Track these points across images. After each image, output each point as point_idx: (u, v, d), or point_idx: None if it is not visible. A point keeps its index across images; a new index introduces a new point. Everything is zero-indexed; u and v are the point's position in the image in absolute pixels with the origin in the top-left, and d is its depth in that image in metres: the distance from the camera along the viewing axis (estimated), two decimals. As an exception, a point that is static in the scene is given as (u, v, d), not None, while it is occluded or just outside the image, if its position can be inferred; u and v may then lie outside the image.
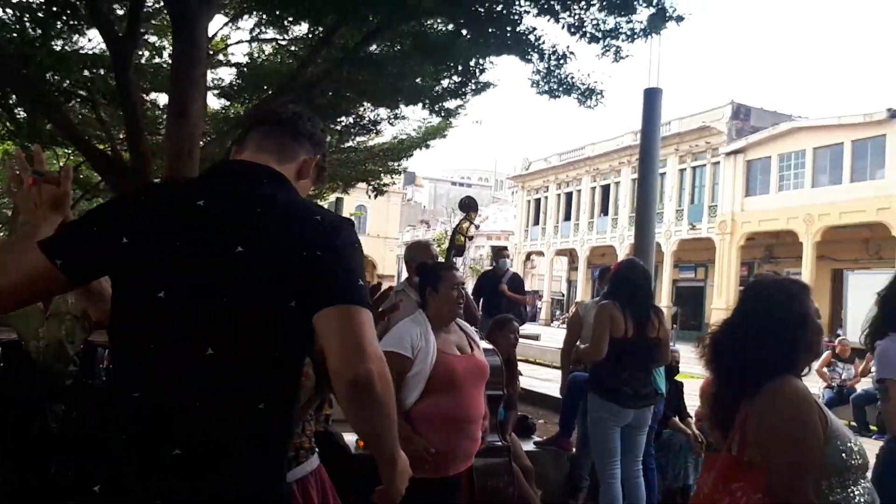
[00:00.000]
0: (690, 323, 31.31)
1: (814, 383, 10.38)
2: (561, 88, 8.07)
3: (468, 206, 4.40)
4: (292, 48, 11.15)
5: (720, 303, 27.72)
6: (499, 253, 8.77)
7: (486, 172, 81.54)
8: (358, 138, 14.12)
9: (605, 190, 36.25)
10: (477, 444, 2.88)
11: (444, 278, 2.94)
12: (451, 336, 2.94)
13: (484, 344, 3.44)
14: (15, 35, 8.02)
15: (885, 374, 2.65)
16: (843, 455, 1.77)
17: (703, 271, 32.29)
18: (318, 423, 4.34)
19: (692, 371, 11.39)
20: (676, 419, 4.85)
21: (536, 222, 41.75)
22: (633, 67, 8.53)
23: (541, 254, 41.85)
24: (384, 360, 1.33)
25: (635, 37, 7.39)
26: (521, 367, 12.26)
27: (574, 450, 4.85)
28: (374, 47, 8.36)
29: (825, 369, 9.76)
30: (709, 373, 2.01)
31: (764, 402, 1.78)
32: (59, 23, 8.69)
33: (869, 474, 1.89)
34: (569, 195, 39.15)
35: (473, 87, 8.84)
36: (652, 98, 6.22)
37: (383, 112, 11.85)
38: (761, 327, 1.86)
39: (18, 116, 10.22)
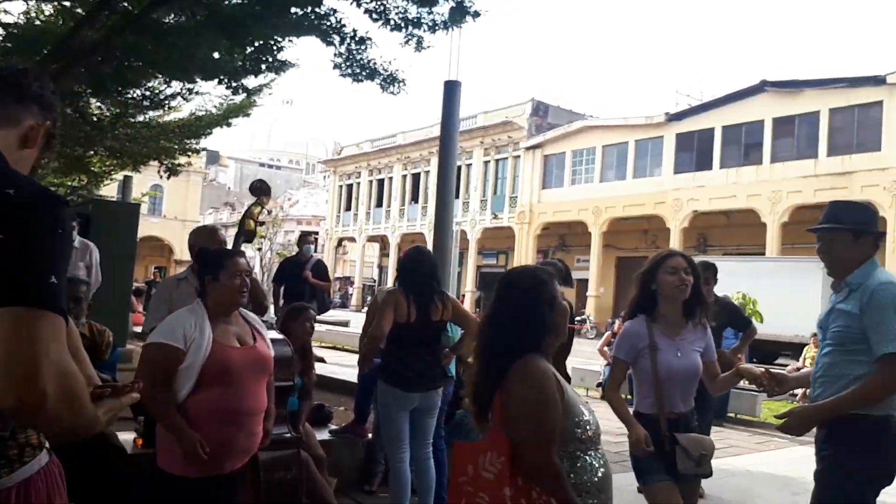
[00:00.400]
0: (493, 307, 33.01)
1: (596, 362, 11.38)
2: (363, 73, 8.03)
3: (260, 190, 4.20)
4: (77, 10, 10.06)
5: (519, 288, 29.44)
6: (304, 239, 8.55)
7: (297, 155, 79.79)
8: (150, 113, 13.10)
9: (416, 178, 36.99)
10: (257, 438, 2.76)
11: (227, 266, 2.79)
12: (231, 327, 2.79)
13: (273, 334, 3.32)
14: None
15: (614, 352, 2.98)
16: (577, 427, 1.94)
17: (504, 258, 34.12)
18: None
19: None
20: (467, 400, 5.01)
21: (348, 208, 41.65)
22: (444, 59, 8.72)
23: (353, 240, 41.83)
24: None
25: (436, 28, 7.53)
26: (330, 354, 12.20)
27: (370, 436, 4.86)
28: (166, 17, 7.75)
29: (605, 348, 10.67)
30: (475, 360, 2.10)
31: (511, 380, 1.91)
32: None
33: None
34: (381, 182, 39.47)
35: (271, 65, 8.50)
36: (451, 90, 6.34)
37: (178, 86, 11.07)
38: (515, 311, 1.99)
39: None
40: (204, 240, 4.05)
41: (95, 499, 3.57)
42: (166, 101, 11.63)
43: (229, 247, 4.06)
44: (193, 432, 2.53)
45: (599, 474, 1.95)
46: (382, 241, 40.36)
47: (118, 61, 8.29)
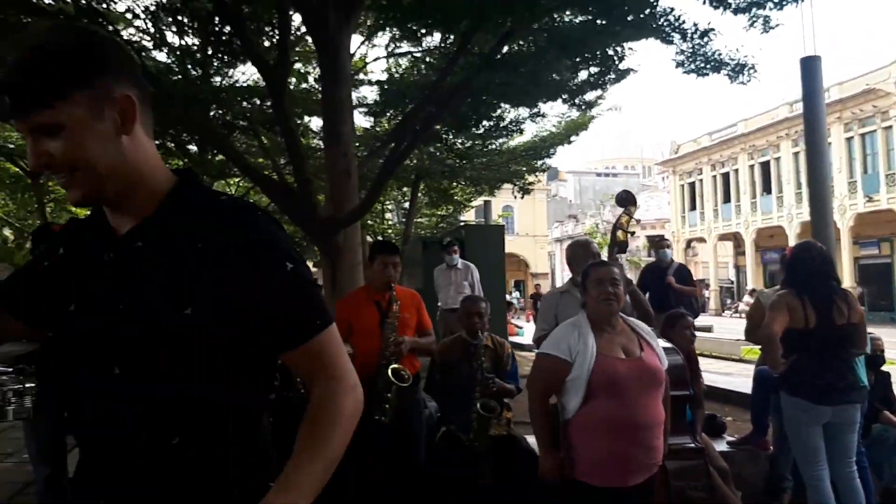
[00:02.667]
0: (880, 304, 28.35)
1: None
2: (709, 66, 7.61)
3: (626, 201, 4.15)
4: (427, 59, 11.40)
5: (913, 278, 24.97)
6: (658, 244, 8.29)
7: (630, 160, 78.91)
8: (499, 140, 14.16)
9: (765, 167, 33.80)
10: (657, 453, 2.67)
11: (590, 275, 2.81)
12: (616, 337, 2.75)
13: (662, 343, 3.22)
14: (179, 77, 8.69)
15: None
16: None
17: (887, 246, 29.21)
18: (500, 426, 4.31)
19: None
20: (887, 413, 4.34)
21: (693, 207, 39.73)
22: (780, 36, 7.91)
23: (702, 240, 39.75)
24: None
25: (784, 4, 6.80)
26: (701, 362, 11.66)
27: (771, 448, 4.46)
28: (507, 48, 8.26)
29: None
30: None
31: None
32: (215, 61, 9.33)
33: None
34: (725, 176, 36.92)
35: (613, 75, 8.46)
36: (810, 67, 5.64)
37: (523, 112, 11.75)
38: None
39: (191, 151, 11.13)
40: (580, 253, 4.17)
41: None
42: (514, 128, 12.41)
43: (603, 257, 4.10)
44: (556, 454, 2.68)
45: None
46: (735, 239, 37.58)
47: (473, 99, 9.07)
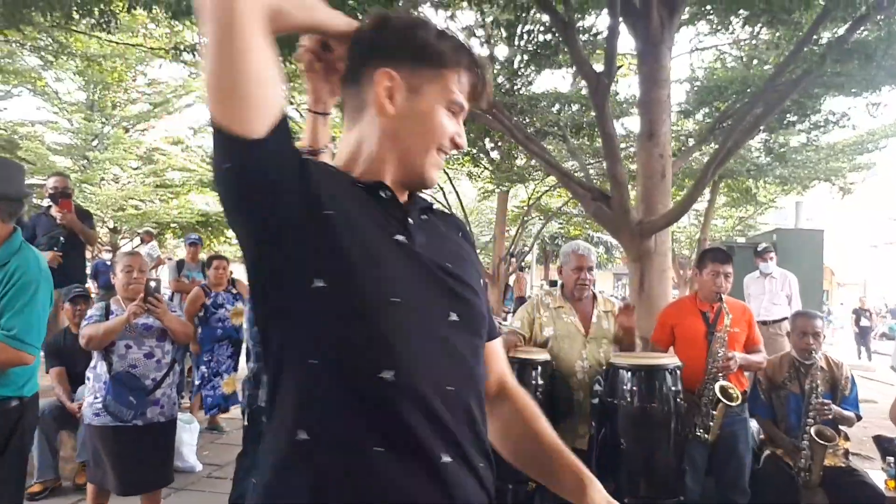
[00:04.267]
0: None
1: None
2: None
3: None
4: (734, 53, 10.76)
5: None
6: None
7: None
8: (814, 133, 12.74)
9: None
10: None
11: None
12: None
13: None
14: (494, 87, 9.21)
15: None
16: None
17: None
18: (836, 456, 3.98)
19: None
20: None
21: None
22: None
23: None
24: None
25: None
26: None
27: None
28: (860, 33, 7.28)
29: None
30: None
31: None
32: (532, 72, 9.73)
33: None
34: None
35: None
36: None
37: (858, 102, 10.38)
38: None
39: (493, 159, 11.91)
40: None
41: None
42: (845, 122, 11.07)
43: None
44: None
45: None
46: None
47: (800, 92, 8.24)
